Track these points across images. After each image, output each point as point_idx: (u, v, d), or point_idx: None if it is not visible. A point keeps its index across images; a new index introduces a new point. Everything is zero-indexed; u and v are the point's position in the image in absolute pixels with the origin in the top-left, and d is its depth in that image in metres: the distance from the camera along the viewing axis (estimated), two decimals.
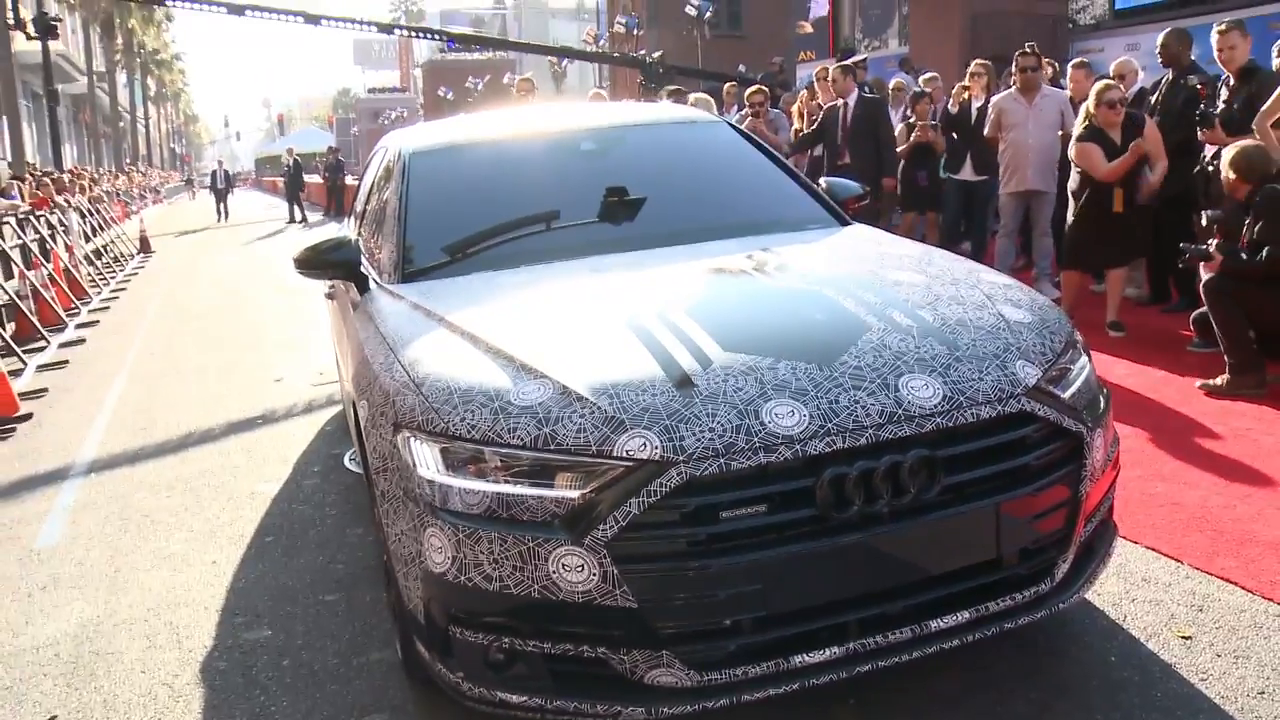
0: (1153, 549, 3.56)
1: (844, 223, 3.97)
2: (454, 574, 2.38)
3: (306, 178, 29.54)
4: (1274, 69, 6.05)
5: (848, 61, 9.67)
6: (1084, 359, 2.86)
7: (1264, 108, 5.69)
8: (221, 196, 30.12)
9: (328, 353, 7.79)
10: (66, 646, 3.50)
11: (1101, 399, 2.84)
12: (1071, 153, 6.65)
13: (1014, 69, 7.85)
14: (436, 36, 35.67)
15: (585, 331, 2.78)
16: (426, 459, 2.47)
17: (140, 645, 3.46)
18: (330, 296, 4.51)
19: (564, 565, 2.26)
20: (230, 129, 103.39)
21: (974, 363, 2.56)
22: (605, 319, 2.83)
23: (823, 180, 4.38)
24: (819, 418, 2.33)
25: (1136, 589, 3.29)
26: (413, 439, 2.51)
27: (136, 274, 16.32)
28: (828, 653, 2.37)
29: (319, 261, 3.73)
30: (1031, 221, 7.92)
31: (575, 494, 2.29)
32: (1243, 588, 3.26)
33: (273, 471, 5.24)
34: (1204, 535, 3.65)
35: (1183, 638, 2.99)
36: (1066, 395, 2.65)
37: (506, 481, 2.35)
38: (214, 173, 31.61)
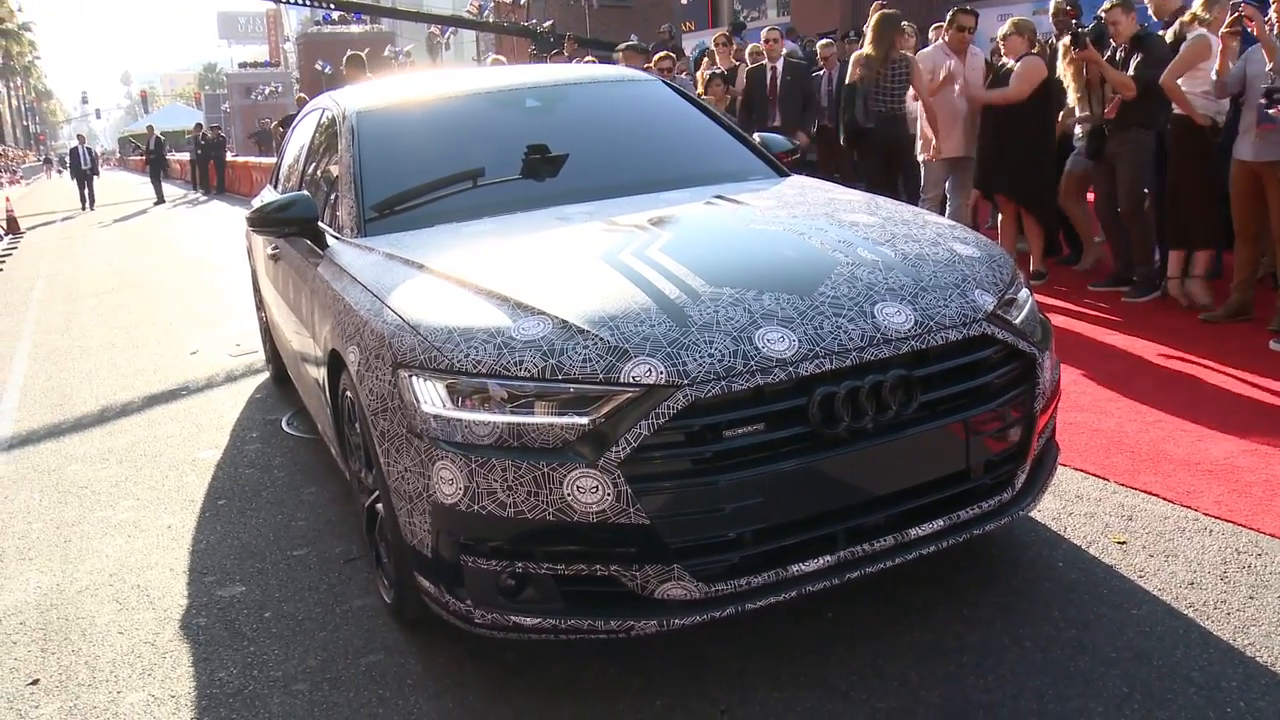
0: (1081, 470, 3.86)
1: (782, 174, 4.14)
2: (466, 503, 2.46)
3: (176, 156, 28.12)
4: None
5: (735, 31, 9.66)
6: (1026, 290, 3.10)
7: (1170, 65, 5.94)
8: (85, 180, 24.92)
9: (243, 323, 7.67)
10: (31, 615, 3.44)
11: (1041, 327, 3.07)
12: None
13: (947, 26, 7.78)
14: (327, 6, 34.42)
15: (570, 271, 2.87)
16: (431, 395, 2.53)
17: (111, 609, 3.42)
18: (275, 258, 4.46)
19: (578, 487, 2.36)
20: (89, 106, 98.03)
21: (938, 291, 2.75)
22: (586, 259, 2.94)
23: (756, 135, 4.54)
24: (807, 342, 2.49)
25: (1072, 505, 3.57)
26: (414, 377, 2.57)
27: (10, 255, 15.56)
28: (821, 561, 2.54)
29: (275, 219, 3.72)
30: (950, 191, 7.59)
31: (585, 420, 2.40)
32: (1164, 498, 3.57)
33: (210, 439, 5.16)
34: (1124, 456, 3.96)
35: (1119, 543, 3.27)
36: (1018, 321, 2.88)
37: (515, 412, 2.44)
38: (74, 150, 25.65)
